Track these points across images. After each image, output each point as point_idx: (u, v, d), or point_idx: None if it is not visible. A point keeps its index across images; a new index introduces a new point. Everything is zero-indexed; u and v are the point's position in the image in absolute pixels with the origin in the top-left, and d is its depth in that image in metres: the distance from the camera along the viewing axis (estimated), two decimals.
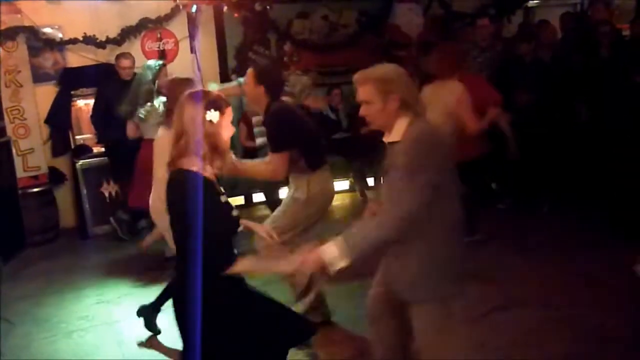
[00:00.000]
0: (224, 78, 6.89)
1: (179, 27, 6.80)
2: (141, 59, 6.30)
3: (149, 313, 4.10)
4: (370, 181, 7.04)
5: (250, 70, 3.80)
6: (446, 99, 4.31)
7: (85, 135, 6.60)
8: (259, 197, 6.88)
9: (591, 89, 5.66)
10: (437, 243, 2.56)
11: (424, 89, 4.36)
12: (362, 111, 2.62)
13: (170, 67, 6.20)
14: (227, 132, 2.35)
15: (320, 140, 3.96)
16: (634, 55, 5.36)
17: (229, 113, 2.35)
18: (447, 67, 4.44)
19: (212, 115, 2.27)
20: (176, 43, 6.83)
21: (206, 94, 2.33)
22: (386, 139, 2.63)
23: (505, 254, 5.04)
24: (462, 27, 6.83)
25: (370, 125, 2.66)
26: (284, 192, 6.47)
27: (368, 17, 7.46)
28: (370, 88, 2.56)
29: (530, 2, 8.18)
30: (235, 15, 6.62)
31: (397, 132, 2.56)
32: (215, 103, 2.30)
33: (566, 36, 6.38)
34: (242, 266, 2.35)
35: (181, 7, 6.61)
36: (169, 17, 6.76)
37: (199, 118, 2.26)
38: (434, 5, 7.60)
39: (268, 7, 6.69)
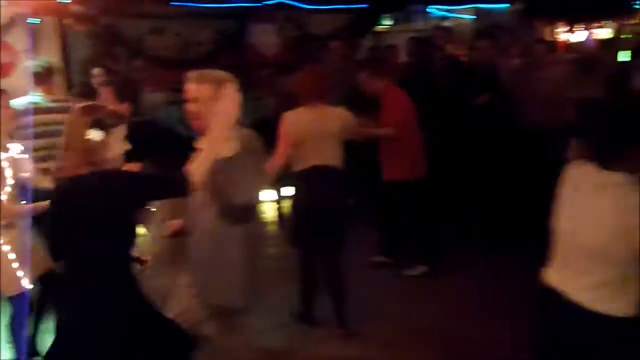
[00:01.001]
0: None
1: (18, 38, 6.29)
2: None
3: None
4: None
5: (108, 89, 3.83)
6: (330, 126, 4.11)
7: None
8: None
9: (436, 113, 5.99)
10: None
11: (293, 113, 4.18)
12: (192, 108, 2.71)
13: (5, 82, 5.71)
14: (115, 149, 2.29)
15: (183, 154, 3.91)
16: (470, 80, 5.77)
17: (119, 131, 2.30)
18: (315, 91, 4.24)
19: (95, 134, 2.19)
20: (14, 56, 6.30)
21: (94, 109, 2.25)
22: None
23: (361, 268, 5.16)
24: (316, 49, 6.98)
25: (195, 125, 2.74)
26: None
27: (224, 36, 7.42)
28: (209, 88, 2.68)
29: (380, 26, 8.61)
30: (80, 28, 6.26)
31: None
32: (102, 121, 2.22)
33: (411, 61, 6.74)
34: None
35: (16, 17, 6.12)
36: (6, 27, 6.23)
37: (81, 134, 2.19)
38: (289, 26, 7.74)
39: (115, 21, 6.42)
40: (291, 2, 7.59)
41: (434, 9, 9.91)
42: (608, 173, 2.13)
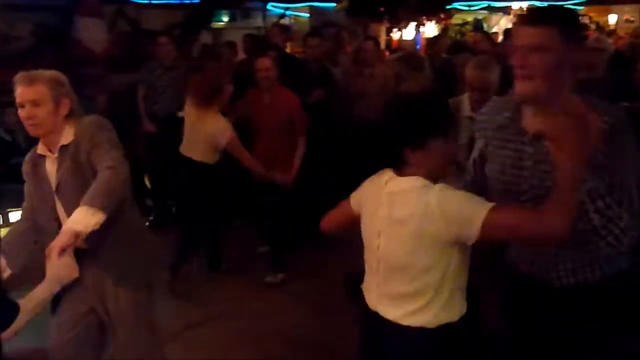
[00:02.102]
0: None
1: None
2: None
3: None
4: None
5: None
6: (210, 131, 4.41)
7: None
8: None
9: None
10: (139, 231, 2.85)
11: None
12: (28, 113, 2.50)
13: None
14: None
15: None
16: (303, 77, 5.83)
17: None
18: (210, 93, 4.38)
19: None
20: None
21: None
22: (45, 149, 2.62)
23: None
24: (147, 45, 6.70)
25: (34, 130, 2.55)
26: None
27: (45, 30, 6.87)
28: (43, 88, 2.50)
29: (218, 23, 8.50)
30: None
31: (67, 135, 2.58)
32: None
33: (247, 58, 6.72)
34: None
35: None
36: None
37: None
38: (121, 21, 7.39)
39: None
40: None
41: (272, 7, 10.01)
42: (402, 179, 2.01)
